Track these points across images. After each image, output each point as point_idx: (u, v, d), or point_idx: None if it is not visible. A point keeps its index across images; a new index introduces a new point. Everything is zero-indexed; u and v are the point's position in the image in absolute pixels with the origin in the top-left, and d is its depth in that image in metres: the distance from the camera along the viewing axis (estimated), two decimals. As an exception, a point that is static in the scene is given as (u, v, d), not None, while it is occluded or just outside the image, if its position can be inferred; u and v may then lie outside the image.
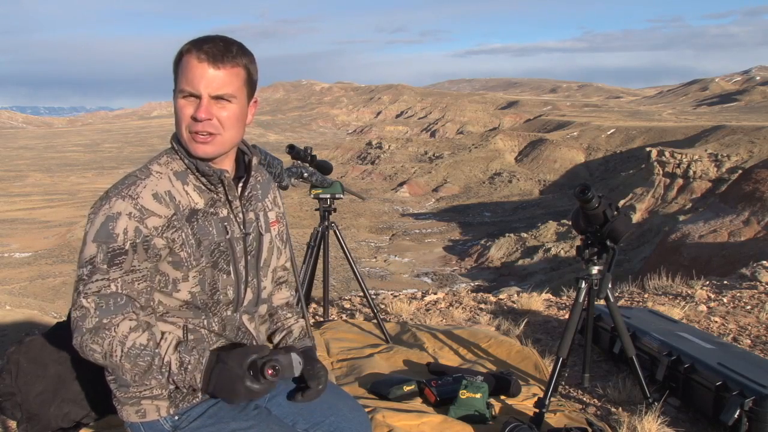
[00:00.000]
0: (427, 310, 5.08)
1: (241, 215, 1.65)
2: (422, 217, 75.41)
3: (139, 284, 1.50)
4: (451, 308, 5.07)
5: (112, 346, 1.45)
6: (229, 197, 1.62)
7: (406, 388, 2.85)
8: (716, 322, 4.53)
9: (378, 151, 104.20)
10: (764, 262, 6.74)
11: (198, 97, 1.50)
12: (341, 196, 3.63)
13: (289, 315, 1.88)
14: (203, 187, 1.59)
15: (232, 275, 1.61)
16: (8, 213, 76.07)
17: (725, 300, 5.12)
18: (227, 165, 1.63)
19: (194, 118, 1.50)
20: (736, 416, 2.70)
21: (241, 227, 1.65)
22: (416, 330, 3.96)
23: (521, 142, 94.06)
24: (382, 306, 5.13)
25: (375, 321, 3.89)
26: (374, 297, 5.37)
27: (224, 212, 1.62)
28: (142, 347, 1.47)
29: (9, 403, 2.09)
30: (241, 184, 1.67)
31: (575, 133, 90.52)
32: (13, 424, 2.39)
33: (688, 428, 2.93)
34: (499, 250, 54.71)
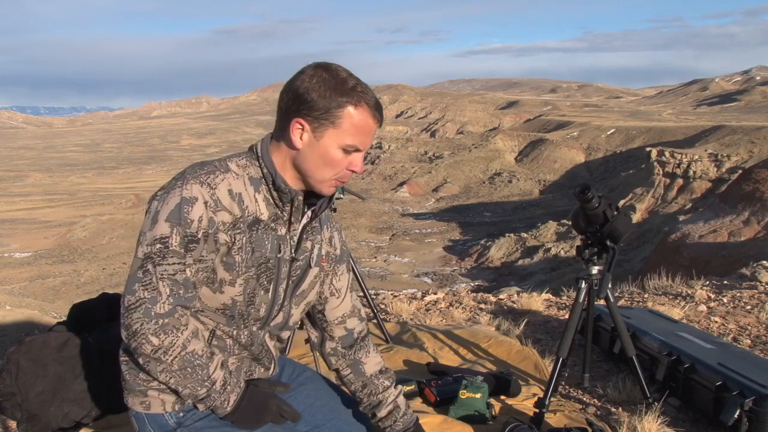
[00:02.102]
0: (427, 310, 5.08)
1: (296, 239, 1.64)
2: (422, 217, 75.42)
3: (202, 274, 1.50)
4: (451, 308, 5.07)
5: (173, 345, 1.44)
6: (293, 219, 1.61)
7: (406, 388, 2.85)
8: (716, 322, 4.53)
9: (378, 151, 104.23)
10: (764, 262, 6.75)
11: (359, 150, 1.54)
12: (341, 196, 3.62)
13: (388, 384, 1.84)
14: (271, 201, 1.58)
15: (270, 294, 1.61)
16: (8, 213, 76.09)
17: (725, 300, 5.12)
18: (299, 187, 1.61)
19: (353, 171, 1.56)
20: (736, 416, 2.70)
21: (292, 251, 1.64)
22: (416, 330, 3.96)
23: (521, 142, 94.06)
24: (382, 306, 5.13)
25: (375, 321, 3.89)
26: (374, 297, 5.37)
27: (282, 231, 1.60)
28: (198, 356, 1.48)
29: (9, 403, 2.09)
30: (309, 212, 1.64)
31: (575, 133, 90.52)
32: (13, 424, 2.38)
33: (688, 428, 2.93)
34: (499, 250, 54.71)
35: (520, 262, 50.81)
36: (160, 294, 1.43)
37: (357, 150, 1.54)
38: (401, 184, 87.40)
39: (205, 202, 1.46)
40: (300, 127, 1.50)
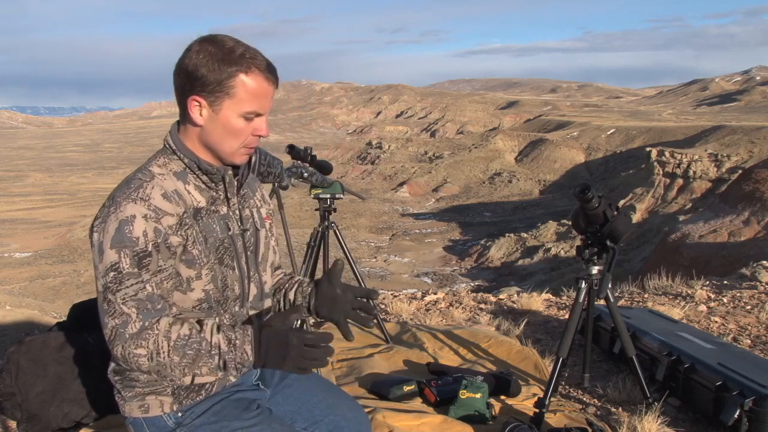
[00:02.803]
0: (427, 310, 5.08)
1: (238, 212, 1.68)
2: (422, 217, 75.43)
3: (167, 283, 1.51)
4: (451, 308, 5.07)
5: (158, 343, 1.44)
6: (228, 195, 1.65)
7: (406, 388, 2.85)
8: (716, 322, 4.53)
9: (378, 151, 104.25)
10: (764, 262, 6.75)
11: (260, 115, 1.55)
12: (341, 196, 3.63)
13: (289, 277, 1.89)
14: (203, 186, 1.60)
15: (237, 271, 1.63)
16: (8, 213, 76.10)
17: (725, 300, 5.12)
18: (218, 163, 1.64)
19: (260, 136, 1.57)
20: (736, 416, 2.70)
21: (240, 224, 1.67)
22: (416, 330, 3.96)
23: (521, 142, 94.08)
24: (382, 306, 5.13)
25: (375, 321, 3.89)
26: (374, 297, 5.36)
27: (224, 210, 1.64)
28: (187, 337, 1.46)
29: (9, 403, 2.10)
30: (236, 182, 1.68)
31: (575, 133, 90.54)
32: (13, 424, 2.39)
33: (688, 428, 2.93)
34: (499, 250, 54.71)
35: (520, 262, 50.81)
36: (128, 316, 1.44)
37: (258, 115, 1.55)
38: (401, 184, 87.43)
39: (145, 216, 1.46)
40: (197, 104, 1.52)
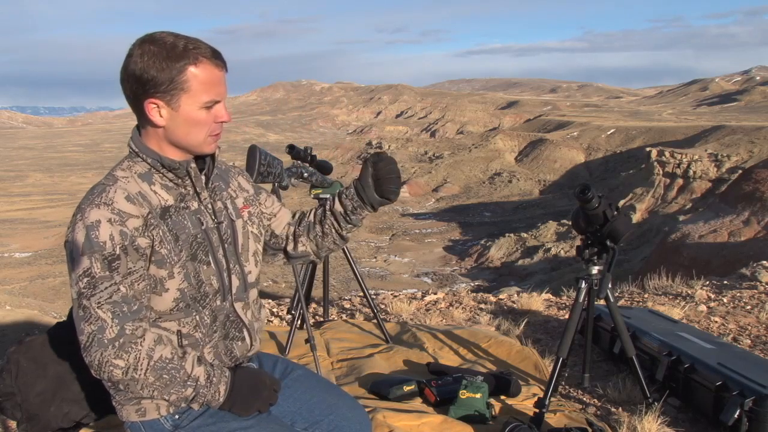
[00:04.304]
0: (427, 310, 5.08)
1: (210, 206, 1.68)
2: (422, 217, 75.41)
3: (139, 285, 1.50)
4: (451, 308, 5.07)
5: (139, 360, 1.44)
6: (197, 189, 1.64)
7: (406, 388, 2.85)
8: (716, 322, 4.54)
9: (378, 151, 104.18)
10: (764, 262, 6.75)
11: (218, 102, 1.56)
12: (341, 196, 3.62)
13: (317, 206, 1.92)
14: (170, 184, 1.60)
15: (213, 265, 1.63)
16: (8, 213, 76.07)
17: (725, 300, 5.12)
18: (185, 158, 1.63)
19: (223, 122, 1.58)
20: (736, 416, 2.70)
21: (213, 217, 1.67)
22: (416, 330, 3.96)
23: (521, 142, 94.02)
24: (382, 306, 5.14)
25: (375, 321, 3.89)
26: (374, 297, 5.37)
27: (195, 205, 1.64)
28: (168, 360, 1.48)
29: (9, 403, 2.09)
30: (203, 177, 1.68)
31: (575, 133, 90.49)
32: (13, 424, 2.39)
33: (688, 428, 2.93)
34: (499, 250, 54.69)
35: (520, 262, 50.78)
36: (104, 321, 1.44)
37: (216, 102, 1.56)
38: (401, 184, 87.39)
39: (109, 220, 1.47)
40: (155, 106, 1.52)
